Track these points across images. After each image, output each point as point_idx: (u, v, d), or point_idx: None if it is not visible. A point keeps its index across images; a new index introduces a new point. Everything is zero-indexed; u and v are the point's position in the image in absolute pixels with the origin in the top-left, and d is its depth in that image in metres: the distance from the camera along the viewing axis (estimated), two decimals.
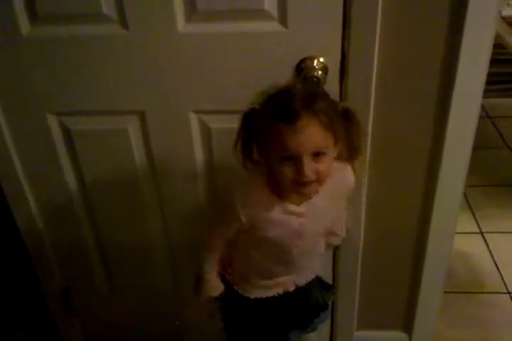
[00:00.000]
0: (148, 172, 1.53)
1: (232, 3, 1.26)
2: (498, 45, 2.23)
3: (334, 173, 1.19)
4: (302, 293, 1.40)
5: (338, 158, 1.21)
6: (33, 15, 1.31)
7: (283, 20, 1.27)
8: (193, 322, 1.86)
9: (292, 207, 1.20)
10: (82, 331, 1.95)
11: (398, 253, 1.67)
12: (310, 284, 1.41)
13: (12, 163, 1.53)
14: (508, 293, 2.19)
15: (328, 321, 1.79)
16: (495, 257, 2.36)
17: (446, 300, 1.84)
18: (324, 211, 1.23)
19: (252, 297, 1.37)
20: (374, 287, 1.74)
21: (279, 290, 1.36)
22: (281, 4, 1.26)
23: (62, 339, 1.93)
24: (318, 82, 1.28)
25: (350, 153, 1.21)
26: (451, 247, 1.65)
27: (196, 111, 1.42)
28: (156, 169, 1.52)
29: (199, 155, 1.49)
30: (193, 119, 1.43)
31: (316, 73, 1.29)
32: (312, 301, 1.46)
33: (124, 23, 1.30)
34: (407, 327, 1.83)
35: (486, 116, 3.44)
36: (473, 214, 2.63)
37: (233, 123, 1.17)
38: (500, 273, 2.28)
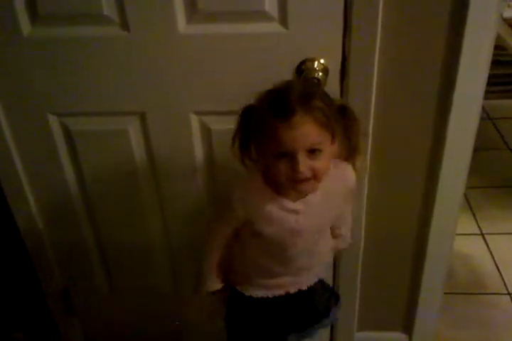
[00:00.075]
0: (149, 172, 1.53)
1: (232, 4, 1.27)
2: (499, 47, 2.23)
3: (335, 172, 1.20)
4: (304, 297, 1.40)
5: (338, 157, 1.22)
6: (34, 16, 1.31)
7: (283, 21, 1.27)
8: (193, 322, 1.86)
9: (289, 204, 1.21)
10: (82, 331, 1.96)
11: (398, 253, 1.67)
12: (314, 290, 1.41)
13: (13, 163, 1.53)
14: (509, 293, 2.19)
15: None
16: (495, 258, 2.36)
17: (446, 301, 1.84)
18: (321, 209, 1.23)
19: (254, 296, 1.37)
20: (374, 287, 1.74)
21: (280, 291, 1.36)
22: (281, 5, 1.26)
23: (62, 339, 1.93)
24: (318, 83, 1.28)
25: (349, 152, 1.21)
26: (452, 248, 1.65)
27: (197, 112, 1.42)
28: (156, 169, 1.52)
29: (199, 156, 1.49)
30: (194, 120, 1.43)
31: (316, 74, 1.29)
32: (314, 307, 1.46)
33: (124, 24, 1.30)
34: (408, 327, 1.83)
35: (486, 117, 3.43)
36: (473, 215, 2.62)
37: (233, 124, 1.17)
38: (501, 274, 2.28)
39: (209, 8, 1.28)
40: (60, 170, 1.54)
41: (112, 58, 1.35)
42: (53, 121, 1.46)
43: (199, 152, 1.48)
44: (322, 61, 1.30)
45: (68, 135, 1.49)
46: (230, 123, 1.19)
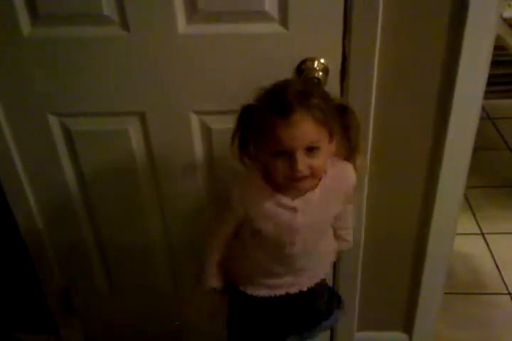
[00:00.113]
0: (149, 172, 1.53)
1: (232, 5, 1.26)
2: (499, 47, 2.23)
3: (335, 171, 1.21)
4: (305, 298, 1.40)
5: (339, 156, 1.22)
6: (34, 16, 1.31)
7: (284, 21, 1.27)
8: (193, 322, 1.85)
9: (287, 202, 1.21)
10: (82, 331, 1.96)
11: (398, 253, 1.67)
12: (315, 291, 1.41)
13: (13, 163, 1.53)
14: (509, 293, 2.19)
15: None
16: (495, 258, 2.36)
17: (446, 300, 1.84)
18: (320, 207, 1.23)
19: (255, 295, 1.37)
20: (374, 287, 1.74)
21: (281, 292, 1.36)
22: (281, 5, 1.26)
23: (63, 339, 1.93)
24: (318, 82, 1.28)
25: (349, 151, 1.21)
26: (452, 248, 1.65)
27: (197, 112, 1.42)
28: (156, 169, 1.52)
29: (199, 155, 1.49)
30: (194, 120, 1.43)
31: (316, 74, 1.29)
32: (315, 308, 1.46)
33: (124, 24, 1.30)
34: (408, 327, 1.84)
35: (486, 117, 3.43)
36: (473, 215, 2.63)
37: (233, 123, 1.18)
38: (501, 274, 2.28)
39: (209, 8, 1.27)
40: (60, 170, 1.54)
41: (112, 58, 1.35)
42: (53, 121, 1.46)
43: (199, 151, 1.48)
44: (322, 61, 1.30)
45: (68, 135, 1.49)
46: (230, 123, 1.19)
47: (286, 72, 1.30)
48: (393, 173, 1.51)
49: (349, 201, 1.36)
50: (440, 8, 1.26)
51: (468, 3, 1.22)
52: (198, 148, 1.47)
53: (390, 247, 1.65)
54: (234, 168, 1.24)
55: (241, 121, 1.17)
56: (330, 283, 1.64)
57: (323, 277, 1.43)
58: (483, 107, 1.42)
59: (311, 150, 1.09)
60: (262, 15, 1.27)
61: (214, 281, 1.41)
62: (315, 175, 1.13)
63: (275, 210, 1.21)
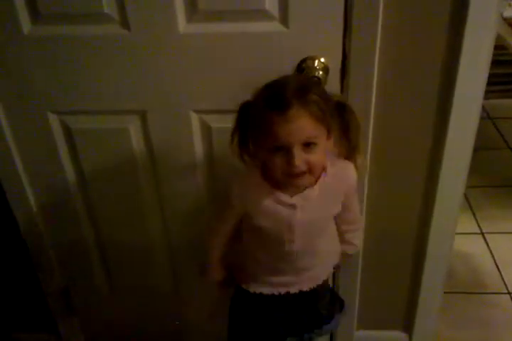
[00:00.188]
0: (149, 171, 1.53)
1: (233, 4, 1.27)
2: (500, 46, 2.23)
3: (335, 170, 1.21)
4: (306, 298, 1.40)
5: (339, 155, 1.23)
6: (35, 15, 1.31)
7: (284, 20, 1.27)
8: (193, 322, 1.86)
9: (286, 198, 1.21)
10: (82, 330, 1.96)
11: (399, 253, 1.67)
12: (317, 292, 1.41)
13: (13, 162, 1.53)
14: (509, 293, 2.19)
15: None
16: (495, 257, 2.36)
17: (446, 300, 1.84)
18: (320, 204, 1.24)
19: (257, 292, 1.37)
20: (374, 287, 1.74)
21: (281, 290, 1.36)
22: (282, 4, 1.26)
23: (62, 338, 1.93)
24: (318, 81, 1.28)
25: (349, 150, 1.22)
26: (452, 247, 1.65)
27: (197, 111, 1.42)
28: (156, 168, 1.52)
29: (200, 154, 1.49)
30: (194, 119, 1.43)
31: (316, 73, 1.29)
32: (316, 310, 1.46)
33: (125, 23, 1.30)
34: (407, 327, 1.84)
35: (487, 116, 3.43)
36: (473, 214, 2.63)
37: (233, 121, 1.19)
38: (501, 274, 2.28)
39: (209, 7, 1.28)
40: (60, 169, 1.54)
41: (113, 57, 1.35)
42: (53, 120, 1.46)
43: (199, 150, 1.48)
44: (322, 60, 1.30)
45: (68, 133, 1.49)
46: (230, 122, 1.20)
47: (287, 71, 1.30)
48: (393, 173, 1.51)
49: (355, 203, 1.36)
50: (440, 7, 1.26)
51: (468, 3, 1.22)
52: (198, 147, 1.47)
53: (390, 247, 1.65)
54: (234, 166, 1.25)
55: (240, 118, 1.18)
56: (330, 282, 1.64)
57: (324, 278, 1.42)
58: (483, 107, 1.42)
59: (308, 145, 1.09)
60: (262, 14, 1.27)
61: (216, 275, 1.43)
62: (312, 171, 1.13)
63: (274, 207, 1.22)
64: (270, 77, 1.12)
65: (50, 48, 1.34)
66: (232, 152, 1.20)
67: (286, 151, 1.09)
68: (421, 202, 1.56)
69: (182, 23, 1.29)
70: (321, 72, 1.30)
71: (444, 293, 1.77)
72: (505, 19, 2.67)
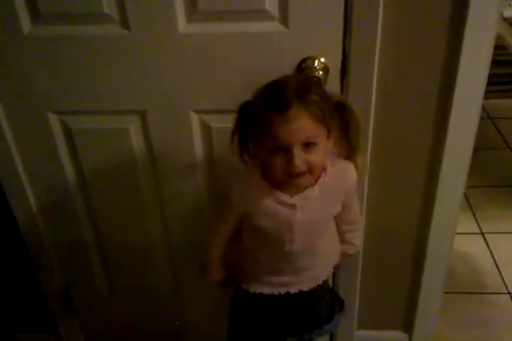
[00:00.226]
0: (149, 171, 1.53)
1: (233, 3, 1.26)
2: (500, 46, 2.23)
3: (335, 170, 1.22)
4: (306, 298, 1.40)
5: (339, 155, 1.23)
6: (35, 14, 1.31)
7: (284, 20, 1.27)
8: (193, 322, 1.86)
9: (286, 198, 1.21)
10: (82, 330, 1.96)
11: (399, 253, 1.67)
12: (317, 293, 1.41)
13: (13, 162, 1.53)
14: (509, 293, 2.19)
15: None
16: (495, 257, 2.36)
17: (446, 300, 1.84)
18: (320, 205, 1.24)
19: (257, 292, 1.37)
20: (374, 287, 1.74)
21: (281, 290, 1.36)
22: (282, 4, 1.26)
23: (62, 338, 1.93)
24: (319, 82, 1.28)
25: (349, 150, 1.22)
26: (452, 247, 1.65)
27: (197, 111, 1.42)
28: (156, 168, 1.52)
29: (200, 154, 1.49)
30: (194, 119, 1.43)
31: (316, 73, 1.29)
32: (316, 310, 1.46)
33: (125, 23, 1.30)
34: (407, 327, 1.84)
35: (486, 116, 3.43)
36: (473, 214, 2.63)
37: (233, 121, 1.19)
38: (501, 274, 2.28)
39: (209, 7, 1.28)
40: (60, 169, 1.54)
41: (113, 57, 1.35)
42: (53, 120, 1.46)
43: (199, 150, 1.48)
44: (322, 60, 1.30)
45: (68, 133, 1.49)
46: (230, 122, 1.20)
47: (287, 71, 1.30)
48: (393, 173, 1.51)
49: (355, 203, 1.36)
50: (440, 7, 1.26)
51: (468, 2, 1.22)
52: (198, 147, 1.47)
53: (390, 247, 1.65)
54: (234, 166, 1.25)
55: (240, 118, 1.18)
56: (330, 282, 1.64)
57: (324, 278, 1.42)
58: (483, 107, 1.42)
59: (308, 145, 1.09)
60: (262, 14, 1.27)
61: (216, 275, 1.43)
62: (312, 171, 1.13)
63: (274, 207, 1.22)
64: (270, 77, 1.12)
65: (50, 48, 1.34)
66: (232, 152, 1.20)
67: (286, 151, 1.09)
68: (421, 202, 1.56)
69: (182, 23, 1.29)
70: (321, 72, 1.30)
71: (444, 293, 1.77)
72: (505, 19, 2.67)
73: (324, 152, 1.14)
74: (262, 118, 1.09)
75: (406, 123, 1.43)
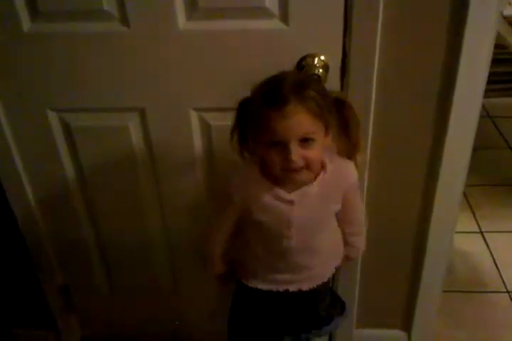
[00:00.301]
0: (148, 168, 1.53)
1: (233, 1, 1.26)
2: (500, 45, 2.23)
3: (335, 168, 1.22)
4: (306, 298, 1.40)
5: (339, 154, 1.23)
6: (34, 12, 1.30)
7: (284, 17, 1.27)
8: (193, 322, 1.86)
9: (284, 195, 1.22)
10: (81, 328, 1.96)
11: (398, 251, 1.67)
12: (317, 293, 1.41)
13: (12, 160, 1.53)
14: (508, 292, 2.19)
15: None
16: (495, 256, 2.36)
17: (445, 299, 1.84)
18: (318, 201, 1.24)
19: (256, 287, 1.38)
20: (374, 285, 1.74)
21: (280, 287, 1.37)
22: (282, 2, 1.26)
23: (61, 335, 1.93)
24: (318, 79, 1.28)
25: (349, 148, 1.22)
26: (452, 245, 1.65)
27: (196, 109, 1.42)
28: (156, 166, 1.52)
29: (199, 152, 1.49)
30: (194, 117, 1.43)
31: (316, 71, 1.29)
32: (316, 310, 1.46)
33: (124, 20, 1.29)
34: (406, 325, 1.84)
35: (486, 115, 3.43)
36: (473, 213, 2.63)
37: (232, 118, 1.19)
38: (500, 273, 2.28)
39: (209, 4, 1.27)
40: (60, 167, 1.54)
41: (112, 54, 1.34)
42: (53, 117, 1.46)
43: (199, 148, 1.48)
44: (322, 57, 1.30)
45: (68, 131, 1.49)
46: (229, 120, 1.21)
47: (287, 69, 1.29)
48: (393, 171, 1.51)
49: (357, 204, 1.36)
50: (441, 6, 1.26)
51: (468, 1, 1.22)
52: (198, 145, 1.47)
53: (390, 245, 1.65)
54: (233, 164, 1.25)
55: (239, 116, 1.18)
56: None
57: (325, 279, 1.41)
58: (483, 105, 1.42)
59: (305, 141, 1.10)
60: (262, 12, 1.27)
61: (217, 270, 1.44)
62: (310, 167, 1.14)
63: (273, 203, 1.22)
64: (270, 75, 1.12)
65: (50, 46, 1.34)
66: (232, 149, 1.21)
67: (284, 147, 1.09)
68: (421, 200, 1.56)
69: (182, 21, 1.29)
70: (321, 70, 1.30)
71: (443, 291, 1.77)
72: (505, 18, 2.67)
73: (322, 148, 1.14)
74: (260, 114, 1.09)
75: (406, 121, 1.43)
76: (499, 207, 2.66)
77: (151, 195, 1.59)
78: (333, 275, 1.68)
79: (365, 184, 1.51)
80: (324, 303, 1.48)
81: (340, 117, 1.17)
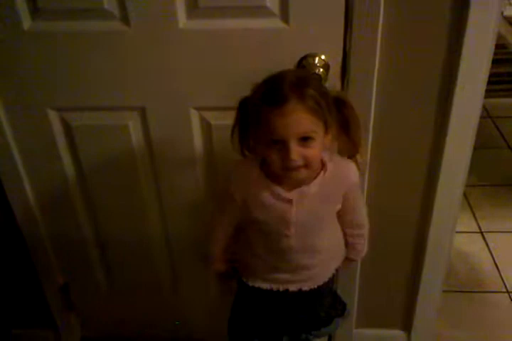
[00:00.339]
0: (148, 167, 1.53)
1: (233, 0, 1.26)
2: (500, 45, 2.23)
3: (335, 168, 1.22)
4: (306, 298, 1.40)
5: (340, 154, 1.23)
6: (35, 10, 1.30)
7: (284, 17, 1.27)
8: (193, 321, 1.86)
9: (283, 193, 1.22)
10: (81, 327, 1.96)
11: (398, 251, 1.67)
12: (318, 294, 1.41)
13: (12, 159, 1.53)
14: (507, 292, 2.19)
15: None
16: (494, 256, 2.36)
17: (445, 298, 1.84)
18: (317, 201, 1.24)
19: (256, 286, 1.38)
20: (374, 285, 1.74)
21: (280, 287, 1.36)
22: (282, 1, 1.25)
23: (61, 334, 1.93)
24: (319, 78, 1.28)
25: (350, 148, 1.22)
26: (451, 246, 1.65)
27: (197, 108, 1.42)
28: (156, 165, 1.52)
29: (200, 151, 1.49)
30: (194, 116, 1.43)
31: (317, 70, 1.29)
32: (315, 311, 1.46)
33: (125, 18, 1.29)
34: (406, 325, 1.84)
35: (486, 115, 3.43)
36: (473, 213, 2.63)
37: (233, 116, 1.19)
38: (500, 273, 2.28)
39: (210, 3, 1.27)
40: (60, 166, 1.54)
41: (112, 53, 1.34)
42: (53, 116, 1.46)
43: (199, 147, 1.48)
44: (323, 57, 1.30)
45: (68, 130, 1.49)
46: (230, 119, 1.20)
47: (287, 68, 1.30)
48: (393, 170, 1.51)
49: (359, 206, 1.35)
50: (441, 6, 1.26)
51: (469, 1, 1.22)
52: (198, 144, 1.47)
53: (390, 245, 1.65)
54: (234, 162, 1.25)
55: (240, 114, 1.19)
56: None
57: (325, 280, 1.41)
58: (483, 106, 1.42)
59: (305, 140, 1.10)
60: (262, 11, 1.27)
61: (218, 267, 1.45)
62: (309, 166, 1.13)
63: (272, 201, 1.22)
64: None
65: (50, 44, 1.34)
66: (233, 147, 1.21)
67: (283, 145, 1.09)
68: (421, 200, 1.56)
69: (182, 19, 1.29)
70: (321, 70, 1.30)
71: (443, 291, 1.77)
72: (505, 18, 2.67)
73: (321, 147, 1.14)
74: (260, 112, 1.10)
75: (406, 121, 1.43)
76: (499, 207, 2.66)
77: (151, 194, 1.59)
78: (333, 275, 1.69)
79: (366, 184, 1.51)
80: (325, 304, 1.48)
81: (340, 117, 1.16)
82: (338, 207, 1.29)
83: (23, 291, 1.86)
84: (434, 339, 1.89)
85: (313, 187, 1.21)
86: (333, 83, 1.32)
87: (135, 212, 1.63)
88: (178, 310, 1.85)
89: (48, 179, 1.58)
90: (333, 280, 1.46)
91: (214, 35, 1.31)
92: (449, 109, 1.37)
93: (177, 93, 1.39)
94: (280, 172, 1.16)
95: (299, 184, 1.21)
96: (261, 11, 1.27)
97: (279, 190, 1.21)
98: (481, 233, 2.51)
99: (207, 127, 1.45)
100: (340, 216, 1.33)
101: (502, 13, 2.61)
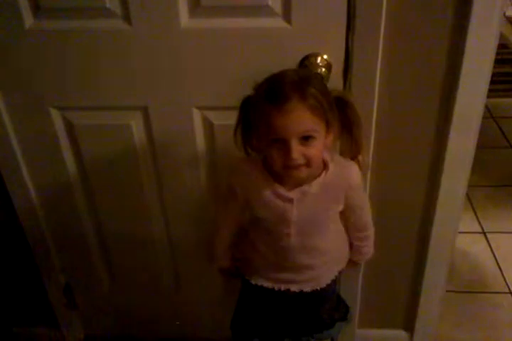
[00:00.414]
0: (151, 167, 1.53)
1: None
2: (502, 45, 2.23)
3: (337, 168, 1.22)
4: (308, 299, 1.40)
5: (342, 154, 1.23)
6: (36, 9, 1.30)
7: (287, 16, 1.27)
8: (195, 321, 1.86)
9: (284, 192, 1.22)
10: (83, 325, 1.96)
11: (400, 251, 1.67)
12: (320, 295, 1.40)
13: (15, 158, 1.53)
14: (510, 292, 2.18)
15: None
16: (497, 257, 2.36)
17: (448, 299, 1.84)
18: (318, 201, 1.24)
19: (258, 284, 1.38)
20: (376, 285, 1.74)
21: (281, 286, 1.36)
22: (285, 0, 1.25)
23: (64, 334, 1.93)
24: (320, 77, 1.27)
25: (352, 148, 1.22)
26: (454, 246, 1.65)
27: (199, 107, 1.42)
28: (158, 164, 1.52)
29: (202, 151, 1.49)
30: (196, 115, 1.43)
31: (319, 70, 1.29)
32: (317, 313, 1.46)
33: (127, 17, 1.29)
34: (409, 325, 1.84)
35: (489, 115, 3.43)
36: (475, 213, 2.62)
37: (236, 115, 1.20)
38: (503, 273, 2.28)
39: (212, 2, 1.27)
40: (62, 165, 1.54)
41: (114, 52, 1.34)
42: (55, 115, 1.46)
43: (201, 146, 1.48)
44: (325, 57, 1.30)
45: (71, 129, 1.49)
46: (232, 119, 1.20)
47: (289, 68, 1.30)
48: (396, 170, 1.51)
49: (361, 207, 1.35)
50: (444, 6, 1.26)
51: (471, 1, 1.22)
52: (200, 144, 1.47)
53: (392, 245, 1.65)
54: (236, 160, 1.25)
55: (242, 113, 1.19)
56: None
57: (328, 282, 1.40)
58: (485, 106, 1.41)
59: (306, 139, 1.10)
60: (265, 10, 1.27)
61: (222, 265, 1.46)
62: (310, 165, 1.13)
63: (273, 200, 1.23)
64: None
65: (52, 43, 1.34)
66: (236, 145, 1.21)
67: (284, 144, 1.10)
68: (423, 200, 1.56)
69: (184, 18, 1.29)
70: (323, 69, 1.30)
71: (446, 291, 1.76)
72: (507, 18, 2.67)
73: (323, 146, 1.14)
74: (262, 111, 1.10)
75: (409, 121, 1.43)
76: (501, 207, 2.66)
77: (153, 193, 1.59)
78: (337, 278, 1.68)
79: (368, 184, 1.50)
80: (327, 307, 1.48)
81: (342, 116, 1.16)
82: (340, 207, 1.29)
83: (25, 289, 1.86)
84: (436, 340, 1.88)
85: (314, 187, 1.21)
86: (335, 83, 1.32)
87: (137, 211, 1.63)
88: (180, 309, 1.85)
89: (50, 178, 1.58)
90: (336, 283, 1.46)
91: (216, 34, 1.31)
92: (452, 108, 1.37)
93: (179, 92, 1.39)
94: (281, 171, 1.16)
95: (300, 183, 1.21)
96: (263, 11, 1.27)
97: (281, 189, 1.22)
98: (484, 233, 2.50)
99: (209, 126, 1.45)
100: (344, 218, 1.33)
101: (504, 13, 2.61)
